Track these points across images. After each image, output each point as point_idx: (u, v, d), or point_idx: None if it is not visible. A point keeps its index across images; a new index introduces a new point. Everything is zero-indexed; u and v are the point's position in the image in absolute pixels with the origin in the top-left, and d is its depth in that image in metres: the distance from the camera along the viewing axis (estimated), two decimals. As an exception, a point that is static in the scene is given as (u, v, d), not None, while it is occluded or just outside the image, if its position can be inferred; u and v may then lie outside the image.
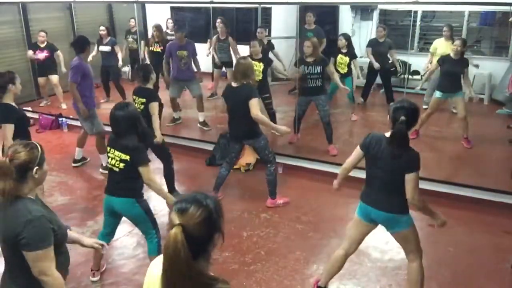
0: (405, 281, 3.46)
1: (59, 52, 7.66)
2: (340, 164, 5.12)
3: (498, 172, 5.09)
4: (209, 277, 1.43)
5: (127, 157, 3.15)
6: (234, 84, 4.33)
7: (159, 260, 1.50)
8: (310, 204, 4.66)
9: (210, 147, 5.83)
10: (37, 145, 2.08)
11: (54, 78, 7.67)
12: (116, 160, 3.20)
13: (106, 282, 3.54)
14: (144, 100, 4.42)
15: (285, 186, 4.98)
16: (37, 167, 2.03)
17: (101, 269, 3.60)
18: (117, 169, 3.22)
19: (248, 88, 4.27)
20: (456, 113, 5.91)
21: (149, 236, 3.37)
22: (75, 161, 5.73)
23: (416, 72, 8.20)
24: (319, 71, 5.45)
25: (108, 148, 3.28)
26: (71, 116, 7.20)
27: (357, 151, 3.00)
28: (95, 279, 3.52)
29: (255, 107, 4.20)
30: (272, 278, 3.54)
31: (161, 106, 4.79)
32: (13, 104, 3.90)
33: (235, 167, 5.50)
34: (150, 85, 4.51)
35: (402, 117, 2.69)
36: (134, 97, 4.53)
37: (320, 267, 3.63)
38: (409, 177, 2.77)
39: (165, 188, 3.47)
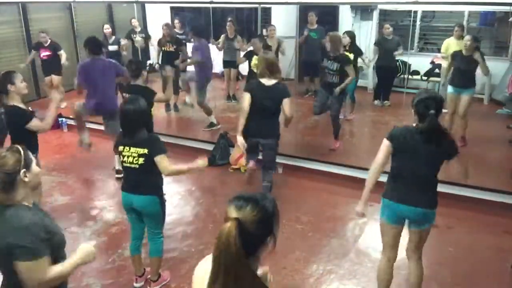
0: (407, 281, 3.46)
1: (62, 51, 7.60)
2: (340, 164, 5.23)
3: (498, 172, 5.09)
4: (258, 281, 1.41)
5: (145, 150, 3.06)
6: (264, 81, 4.16)
7: (205, 261, 1.51)
8: (310, 204, 4.65)
9: (210, 147, 5.83)
10: (19, 148, 1.98)
11: (56, 79, 7.66)
12: (134, 157, 3.10)
13: (106, 282, 3.53)
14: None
15: (285, 186, 4.98)
16: (24, 169, 1.93)
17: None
18: (136, 166, 3.09)
19: (283, 87, 4.19)
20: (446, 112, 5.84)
21: (155, 236, 3.30)
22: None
23: (416, 72, 8.20)
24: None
25: (122, 147, 3.14)
26: (71, 116, 7.20)
27: (385, 145, 2.79)
28: (138, 285, 3.45)
29: (290, 105, 4.18)
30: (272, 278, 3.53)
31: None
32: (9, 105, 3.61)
33: (235, 167, 5.52)
34: (140, 82, 4.34)
35: (432, 111, 2.62)
36: (125, 94, 4.42)
37: (320, 267, 3.63)
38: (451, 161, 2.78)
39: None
